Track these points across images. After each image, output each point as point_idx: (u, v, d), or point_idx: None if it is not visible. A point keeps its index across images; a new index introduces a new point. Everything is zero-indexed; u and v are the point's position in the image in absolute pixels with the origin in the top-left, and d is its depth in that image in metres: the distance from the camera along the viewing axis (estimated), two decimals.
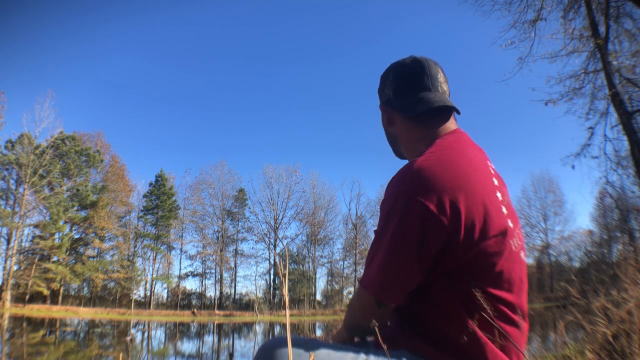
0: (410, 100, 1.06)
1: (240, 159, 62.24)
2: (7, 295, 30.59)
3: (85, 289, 40.54)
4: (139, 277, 39.83)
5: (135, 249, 41.90)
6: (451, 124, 1.06)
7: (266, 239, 44.03)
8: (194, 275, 44.13)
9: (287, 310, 0.74)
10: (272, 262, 43.17)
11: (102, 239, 39.67)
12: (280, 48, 65.33)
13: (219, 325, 28.16)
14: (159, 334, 21.83)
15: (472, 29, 53.63)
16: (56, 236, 36.18)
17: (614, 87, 7.86)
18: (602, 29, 8.48)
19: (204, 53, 63.76)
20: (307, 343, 0.85)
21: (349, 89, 66.26)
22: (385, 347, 0.84)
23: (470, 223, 0.85)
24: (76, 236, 38.62)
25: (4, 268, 31.57)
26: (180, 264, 49.42)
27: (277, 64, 65.25)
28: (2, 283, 31.42)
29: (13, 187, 34.32)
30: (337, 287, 45.83)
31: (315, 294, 44.40)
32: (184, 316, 36.06)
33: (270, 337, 0.88)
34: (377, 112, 1.18)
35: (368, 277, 0.91)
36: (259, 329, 25.42)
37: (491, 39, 11.89)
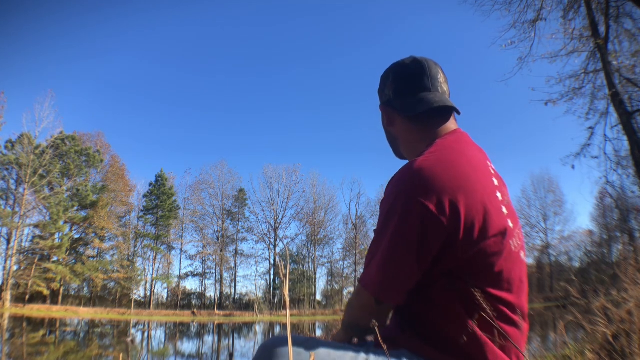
0: (411, 101, 1.06)
1: (240, 159, 62.33)
2: (7, 295, 30.59)
3: (85, 289, 40.59)
4: (139, 277, 39.84)
5: (135, 249, 41.93)
6: (451, 124, 1.06)
7: (266, 239, 44.11)
8: (194, 275, 44.18)
9: (288, 310, 0.74)
10: (272, 262, 43.19)
11: (102, 239, 39.68)
12: (280, 48, 65.43)
13: (219, 325, 28.16)
14: (159, 334, 21.84)
15: (472, 29, 53.69)
16: (56, 236, 36.20)
17: (614, 87, 7.86)
18: (602, 29, 8.48)
19: (204, 53, 63.84)
20: (307, 342, 0.86)
21: (349, 89, 66.35)
22: (385, 346, 0.84)
23: (470, 223, 0.85)
24: (76, 236, 38.65)
25: (4, 268, 31.62)
26: (180, 264, 49.59)
27: (277, 64, 65.34)
28: (2, 283, 31.44)
29: (13, 187, 34.38)
30: (337, 287, 45.87)
31: (315, 294, 44.46)
32: (184, 316, 36.06)
33: (271, 337, 0.89)
34: (377, 112, 1.18)
35: (368, 276, 0.92)
36: (259, 329, 25.42)
37: (491, 39, 11.91)
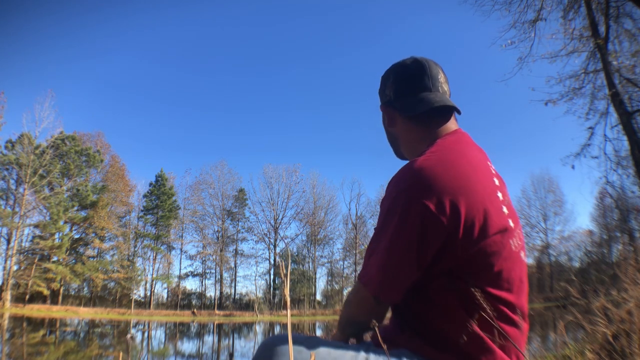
0: (411, 101, 1.06)
1: (240, 159, 62.33)
2: (7, 295, 30.59)
3: (85, 289, 40.59)
4: (139, 277, 39.83)
5: (135, 249, 41.92)
6: (452, 124, 1.06)
7: (266, 239, 44.10)
8: (194, 275, 44.17)
9: (289, 310, 0.74)
10: (272, 262, 43.18)
11: (102, 239, 39.67)
12: (281, 48, 65.42)
13: (219, 325, 28.16)
14: (159, 334, 21.84)
15: (472, 29, 53.69)
16: (56, 236, 36.19)
17: (614, 87, 7.85)
18: (602, 29, 8.48)
19: (204, 53, 63.83)
20: (307, 340, 0.86)
21: (349, 89, 66.33)
22: (385, 346, 0.84)
23: (470, 222, 0.86)
24: (76, 236, 38.64)
25: (4, 268, 31.62)
26: (180, 264, 49.52)
27: (277, 64, 65.33)
28: (2, 283, 31.44)
29: (13, 187, 34.38)
30: (337, 287, 45.83)
31: (315, 294, 44.45)
32: (184, 316, 36.07)
33: (271, 335, 0.90)
34: (377, 112, 1.18)
35: (368, 275, 0.92)
36: (259, 329, 25.42)
37: (491, 39, 11.88)
